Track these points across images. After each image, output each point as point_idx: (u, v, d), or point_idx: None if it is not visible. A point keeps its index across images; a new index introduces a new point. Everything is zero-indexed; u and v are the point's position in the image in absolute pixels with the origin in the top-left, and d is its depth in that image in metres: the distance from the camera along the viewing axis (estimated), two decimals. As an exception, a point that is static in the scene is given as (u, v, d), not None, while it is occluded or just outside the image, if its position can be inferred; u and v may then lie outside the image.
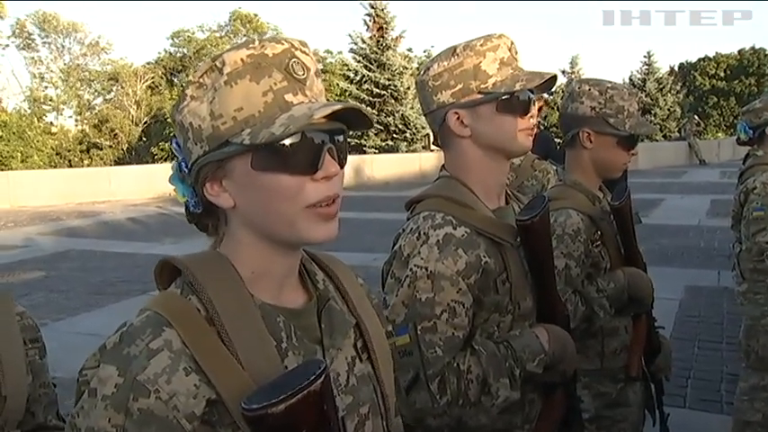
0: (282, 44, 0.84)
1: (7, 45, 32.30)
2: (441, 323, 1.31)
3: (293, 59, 0.83)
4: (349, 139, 0.88)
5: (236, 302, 0.83)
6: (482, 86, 1.37)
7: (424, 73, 1.44)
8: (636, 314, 2.02)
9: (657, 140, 26.35)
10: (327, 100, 0.88)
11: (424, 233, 1.35)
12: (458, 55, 1.38)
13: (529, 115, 1.41)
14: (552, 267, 1.45)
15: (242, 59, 0.82)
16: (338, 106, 0.79)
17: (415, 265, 1.33)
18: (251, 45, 0.83)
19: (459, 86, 1.38)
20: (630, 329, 2.02)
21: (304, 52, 0.85)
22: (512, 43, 1.41)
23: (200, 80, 0.84)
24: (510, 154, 1.44)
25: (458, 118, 1.40)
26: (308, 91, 0.84)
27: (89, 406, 0.75)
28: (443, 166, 1.49)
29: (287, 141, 0.79)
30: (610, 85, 1.97)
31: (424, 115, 1.49)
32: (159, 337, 0.77)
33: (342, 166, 0.85)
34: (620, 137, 1.95)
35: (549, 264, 1.44)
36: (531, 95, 1.41)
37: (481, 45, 1.38)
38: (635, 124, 1.95)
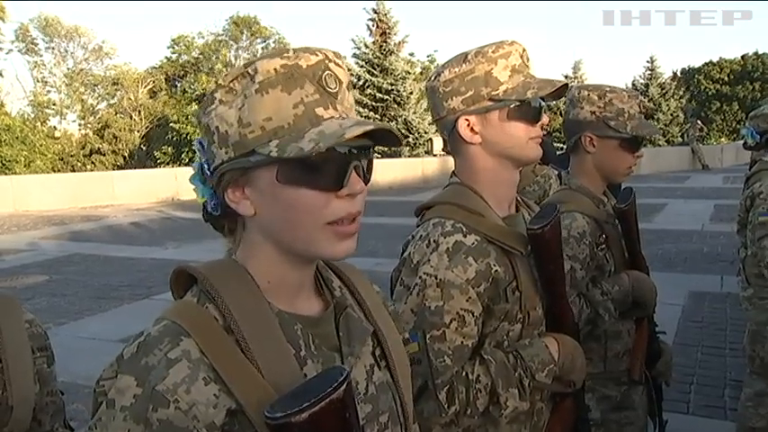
0: (317, 55, 0.82)
1: (11, 50, 32.43)
2: (450, 332, 1.30)
3: (327, 72, 0.82)
4: None
5: (254, 311, 0.82)
6: (493, 93, 1.36)
7: (435, 79, 1.42)
8: (638, 318, 2.02)
9: (660, 145, 26.31)
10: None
11: (434, 240, 1.34)
12: (469, 61, 1.37)
13: (539, 123, 1.40)
14: (563, 277, 1.44)
15: (275, 69, 0.81)
16: (370, 126, 0.78)
17: (424, 273, 1.32)
18: (285, 54, 0.82)
19: (470, 93, 1.37)
20: (633, 333, 2.01)
21: (338, 65, 0.84)
22: (524, 50, 1.40)
23: (231, 85, 0.83)
24: (520, 162, 1.43)
25: (468, 125, 1.39)
26: (339, 105, 0.83)
27: (107, 417, 0.74)
28: (453, 172, 1.48)
29: (315, 155, 0.78)
30: (608, 89, 1.98)
31: (434, 121, 1.48)
32: (177, 346, 0.77)
33: (366, 183, 0.84)
34: (622, 139, 1.95)
35: (560, 273, 1.42)
36: (542, 103, 1.40)
37: (493, 52, 1.37)
38: (636, 126, 1.95)
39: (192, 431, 0.73)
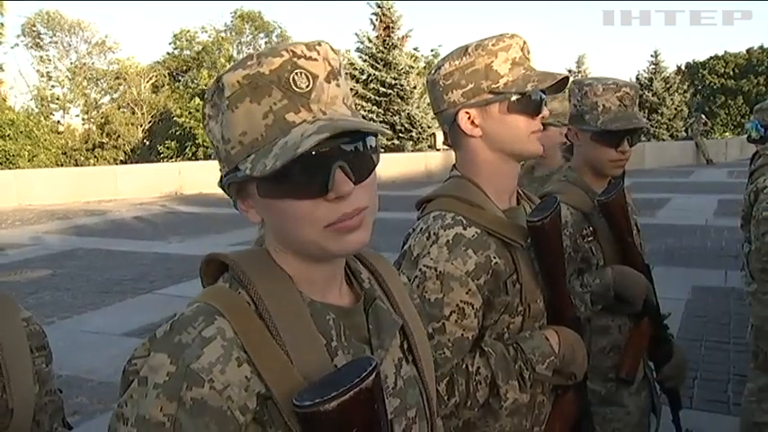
0: (282, 56, 0.77)
1: (16, 44, 32.49)
2: (449, 324, 1.30)
3: (294, 71, 0.77)
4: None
5: (286, 299, 0.81)
6: (493, 86, 1.36)
7: (435, 72, 1.42)
8: (638, 316, 1.97)
9: (664, 140, 26.24)
10: (346, 104, 0.83)
11: (434, 233, 1.34)
12: (469, 54, 1.37)
13: (540, 116, 1.39)
14: (563, 269, 1.44)
15: (238, 81, 0.77)
16: (326, 134, 0.72)
17: (424, 266, 1.32)
18: (248, 63, 0.78)
19: (471, 86, 1.37)
20: (626, 330, 1.98)
21: (310, 58, 0.78)
22: (524, 43, 1.40)
23: (213, 99, 0.82)
24: (520, 155, 1.42)
25: (469, 118, 1.38)
26: (313, 104, 0.78)
27: (139, 395, 0.73)
28: (454, 165, 1.48)
29: (294, 162, 0.73)
30: (587, 82, 1.97)
31: (435, 114, 1.48)
32: (212, 325, 0.76)
33: (360, 181, 0.79)
34: (593, 132, 1.93)
35: (560, 265, 1.42)
36: (543, 96, 1.40)
37: (493, 45, 1.37)
38: (608, 120, 1.91)
39: (225, 412, 0.73)
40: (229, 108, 0.78)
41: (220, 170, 0.86)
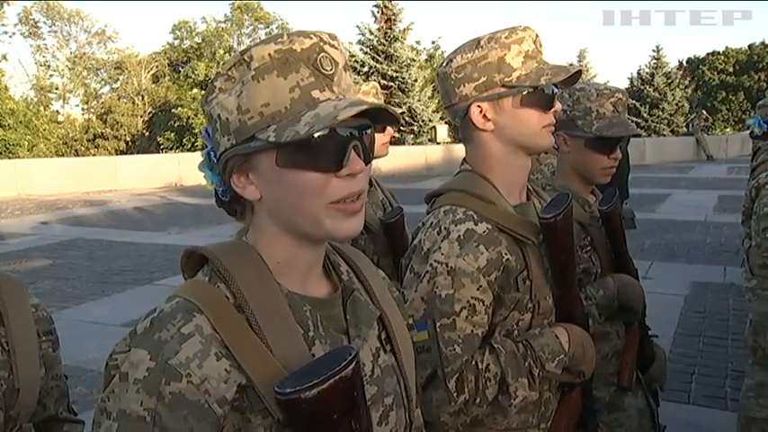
0: (311, 38, 0.83)
1: (14, 33, 32.45)
2: (460, 320, 1.30)
3: (321, 54, 0.83)
4: None
5: (264, 291, 0.84)
6: (506, 80, 1.35)
7: (447, 65, 1.41)
8: (628, 322, 1.97)
9: (665, 135, 26.21)
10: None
11: (445, 228, 1.33)
12: (482, 47, 1.36)
13: (552, 110, 1.38)
14: (573, 267, 1.43)
15: (269, 54, 0.81)
16: (364, 106, 0.79)
17: (435, 261, 1.31)
18: (279, 40, 0.83)
19: (483, 79, 1.35)
20: (623, 335, 1.97)
21: (333, 46, 0.84)
22: (537, 36, 1.38)
23: (229, 73, 0.84)
24: (532, 149, 1.41)
25: (480, 111, 1.37)
26: (335, 86, 0.84)
27: (120, 390, 0.76)
28: (464, 159, 1.47)
29: (314, 136, 0.79)
30: (579, 87, 1.93)
31: (446, 108, 1.46)
32: (190, 322, 0.78)
33: (367, 163, 0.85)
34: (587, 139, 1.90)
35: (571, 263, 1.41)
36: (556, 90, 1.38)
37: (506, 37, 1.35)
38: (603, 126, 1.88)
39: (203, 405, 0.75)
40: (255, 79, 0.82)
41: (212, 148, 0.88)
